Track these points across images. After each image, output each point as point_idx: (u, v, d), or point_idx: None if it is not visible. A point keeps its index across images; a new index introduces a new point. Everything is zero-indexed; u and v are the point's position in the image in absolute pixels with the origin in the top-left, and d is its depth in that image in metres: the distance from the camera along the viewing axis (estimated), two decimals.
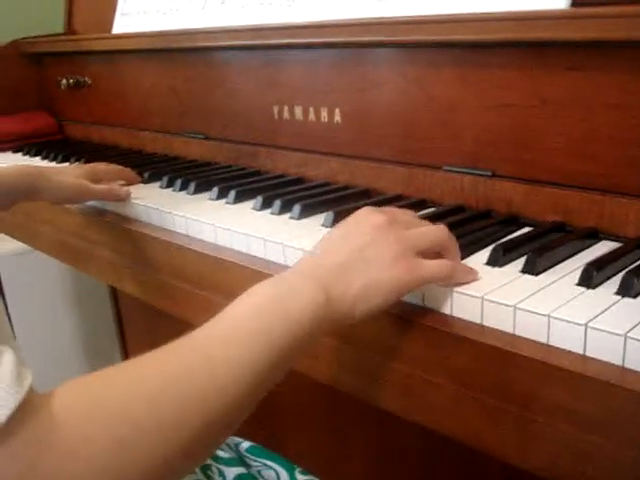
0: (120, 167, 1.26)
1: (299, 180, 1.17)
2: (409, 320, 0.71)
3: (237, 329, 0.59)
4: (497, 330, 0.66)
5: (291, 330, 0.60)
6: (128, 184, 1.23)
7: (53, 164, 1.51)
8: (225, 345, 0.58)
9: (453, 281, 0.70)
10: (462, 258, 0.75)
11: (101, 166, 1.23)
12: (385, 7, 1.03)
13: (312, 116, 1.15)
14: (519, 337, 0.65)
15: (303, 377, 0.87)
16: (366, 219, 0.71)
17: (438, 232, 0.73)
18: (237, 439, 1.12)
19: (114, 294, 2.15)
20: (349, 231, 0.71)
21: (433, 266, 0.69)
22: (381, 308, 0.67)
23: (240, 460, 1.03)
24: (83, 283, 2.41)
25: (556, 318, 0.62)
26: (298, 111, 1.17)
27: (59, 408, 0.48)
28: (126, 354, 2.22)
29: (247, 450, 1.08)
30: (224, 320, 0.61)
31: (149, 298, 1.12)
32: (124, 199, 1.17)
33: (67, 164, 1.21)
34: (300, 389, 1.59)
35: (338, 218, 0.92)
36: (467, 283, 0.70)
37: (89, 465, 0.47)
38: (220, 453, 1.04)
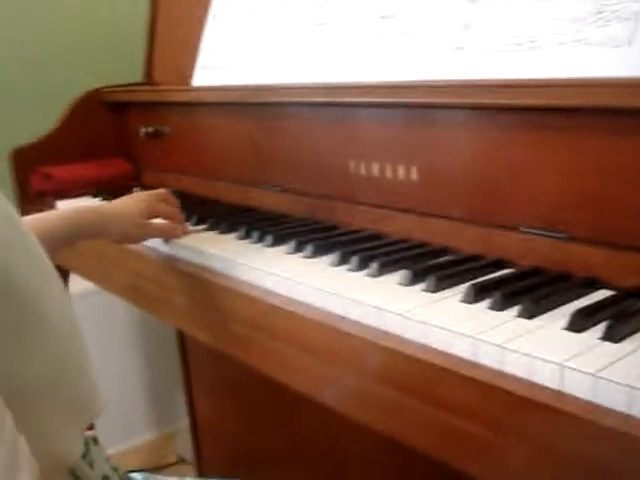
0: (173, 208, 1.29)
1: (375, 236, 1.18)
2: (487, 383, 0.71)
3: None
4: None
5: None
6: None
7: None
8: None
9: None
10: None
11: (160, 208, 1.26)
12: (465, 68, 1.05)
13: (389, 173, 1.16)
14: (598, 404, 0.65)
15: (366, 427, 0.87)
16: None
17: None
18: None
19: (181, 340, 2.18)
20: None
21: None
22: None
23: None
24: (150, 327, 2.45)
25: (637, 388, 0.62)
26: (375, 168, 1.19)
27: None
28: (190, 399, 2.24)
29: None
30: None
31: (220, 346, 1.14)
32: (178, 237, 1.24)
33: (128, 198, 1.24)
34: (364, 438, 1.58)
35: (415, 277, 0.93)
36: None
37: None
38: None
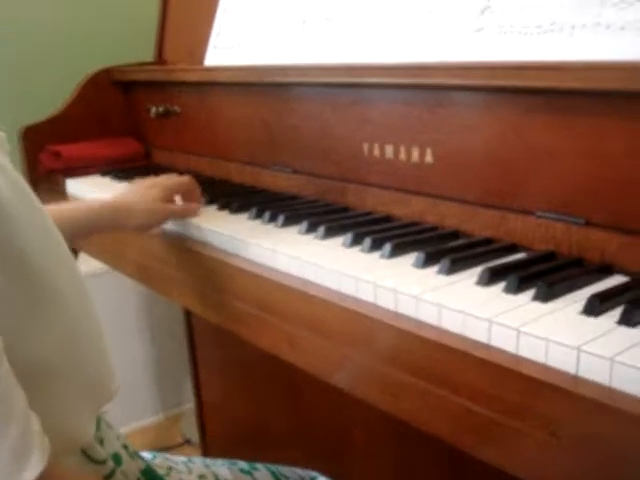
0: (187, 180, 1.28)
1: (387, 218, 1.17)
2: (501, 366, 0.71)
3: None
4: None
5: None
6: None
7: None
8: None
9: None
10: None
11: (170, 182, 1.25)
12: (485, 51, 1.04)
13: (403, 155, 1.15)
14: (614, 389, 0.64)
15: (373, 409, 0.87)
16: None
17: None
18: (312, 473, 1.13)
19: (188, 322, 2.18)
20: None
21: None
22: None
23: None
24: (158, 309, 2.45)
25: None
26: (389, 150, 1.18)
27: None
28: (197, 381, 2.24)
29: None
30: None
31: (229, 326, 1.13)
32: (196, 215, 1.23)
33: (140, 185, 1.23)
34: (370, 419, 1.58)
35: (429, 259, 0.93)
36: None
37: None
38: None
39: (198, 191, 1.28)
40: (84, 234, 1.12)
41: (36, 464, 0.60)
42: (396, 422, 0.86)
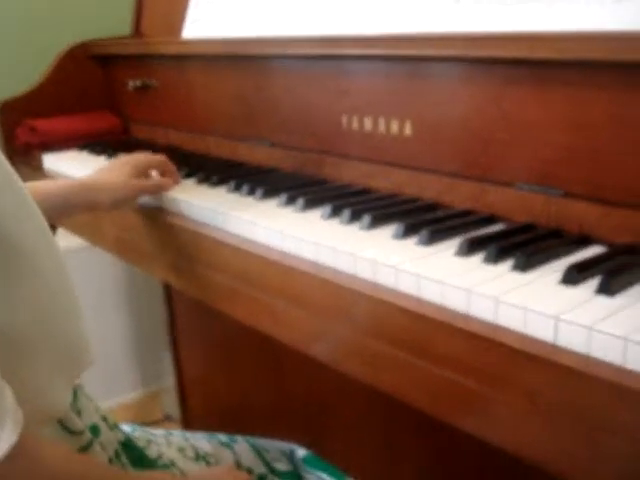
0: (161, 158, 1.28)
1: (366, 191, 1.17)
2: (480, 336, 0.71)
3: None
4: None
5: None
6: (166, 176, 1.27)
7: None
8: None
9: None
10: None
11: (142, 158, 1.25)
12: (463, 21, 1.03)
13: (382, 127, 1.15)
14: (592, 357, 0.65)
15: (353, 382, 0.87)
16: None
17: None
18: (292, 446, 1.13)
19: (168, 297, 2.17)
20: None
21: None
22: None
23: (296, 475, 1.05)
24: (137, 284, 2.44)
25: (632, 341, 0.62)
26: (368, 122, 1.17)
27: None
28: (177, 356, 2.24)
29: (303, 460, 1.09)
30: None
31: (209, 300, 1.13)
32: (169, 189, 1.23)
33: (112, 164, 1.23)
34: (350, 393, 1.59)
35: (408, 231, 0.92)
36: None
37: None
38: (278, 465, 1.06)
39: (172, 167, 1.28)
40: (57, 212, 1.11)
41: (8, 436, 0.59)
42: (377, 394, 0.86)
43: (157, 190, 1.23)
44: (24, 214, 0.73)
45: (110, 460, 0.85)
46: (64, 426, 0.79)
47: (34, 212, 0.76)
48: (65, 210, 1.13)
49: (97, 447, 0.82)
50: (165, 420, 2.47)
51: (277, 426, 1.79)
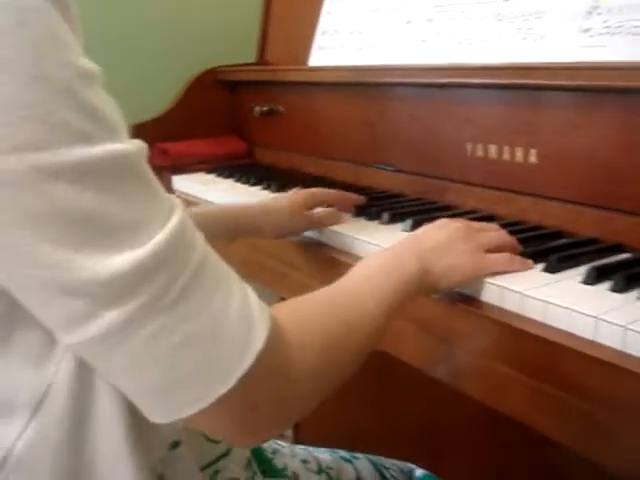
0: (339, 192, 1.28)
1: (489, 217, 1.19)
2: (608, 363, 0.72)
3: (368, 283, 0.79)
4: None
5: (398, 289, 0.79)
6: (341, 209, 1.26)
7: (246, 186, 1.59)
8: (364, 292, 0.77)
9: (510, 269, 0.90)
10: None
11: (317, 192, 1.24)
12: (589, 51, 1.04)
13: (506, 155, 1.17)
14: None
15: (464, 398, 0.89)
16: (451, 223, 0.93)
17: (502, 236, 0.96)
18: (410, 465, 1.15)
19: None
20: (440, 226, 0.92)
21: (495, 258, 0.90)
22: (458, 285, 0.90)
23: None
24: None
25: None
26: (492, 149, 1.19)
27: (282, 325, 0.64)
28: None
29: (420, 478, 1.11)
30: (357, 277, 0.80)
31: None
32: (339, 222, 1.22)
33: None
34: (461, 411, 1.59)
35: (535, 257, 0.94)
36: (521, 271, 0.91)
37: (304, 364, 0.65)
38: None
39: (349, 200, 1.28)
40: (230, 230, 1.14)
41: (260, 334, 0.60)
42: (493, 416, 0.87)
43: (327, 223, 1.22)
44: None
45: (243, 469, 0.89)
46: (205, 435, 0.84)
47: None
48: (237, 228, 1.16)
49: (233, 456, 0.87)
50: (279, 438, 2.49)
51: (387, 446, 1.80)
